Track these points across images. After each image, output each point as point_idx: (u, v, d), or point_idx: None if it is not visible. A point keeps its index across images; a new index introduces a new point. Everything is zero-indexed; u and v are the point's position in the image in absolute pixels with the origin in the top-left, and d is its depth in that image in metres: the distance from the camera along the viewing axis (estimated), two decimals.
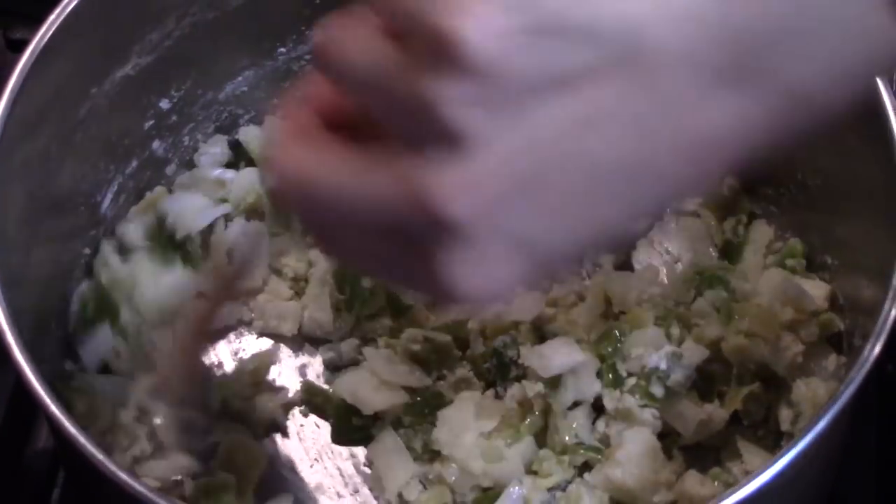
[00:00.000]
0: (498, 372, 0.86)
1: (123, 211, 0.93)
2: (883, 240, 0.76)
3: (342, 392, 0.86)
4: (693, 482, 0.80)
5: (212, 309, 0.82)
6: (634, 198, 0.48)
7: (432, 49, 0.44)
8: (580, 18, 0.45)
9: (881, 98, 0.76)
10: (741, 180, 0.92)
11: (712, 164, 0.48)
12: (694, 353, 0.83)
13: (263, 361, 0.90)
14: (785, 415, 0.82)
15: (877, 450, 0.88)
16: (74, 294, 0.88)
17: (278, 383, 0.90)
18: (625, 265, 0.93)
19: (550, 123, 0.45)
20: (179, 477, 0.82)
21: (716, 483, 0.80)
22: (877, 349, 0.70)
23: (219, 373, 0.91)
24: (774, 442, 0.83)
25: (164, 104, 0.93)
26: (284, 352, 0.92)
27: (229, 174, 0.96)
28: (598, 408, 0.84)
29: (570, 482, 0.82)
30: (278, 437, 0.88)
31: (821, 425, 0.67)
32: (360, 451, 0.87)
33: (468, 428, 0.83)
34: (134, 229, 0.91)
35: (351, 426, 0.86)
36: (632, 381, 0.83)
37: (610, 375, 0.83)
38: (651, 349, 0.83)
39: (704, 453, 0.84)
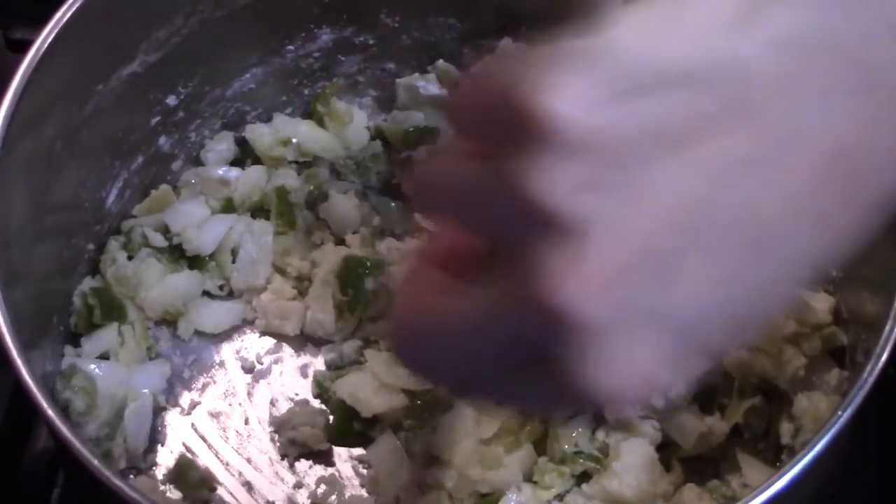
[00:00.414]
0: None
1: (128, 207, 0.93)
2: (888, 253, 0.76)
3: (342, 393, 0.86)
4: (691, 496, 0.80)
5: None
6: (786, 250, 0.44)
7: (523, 134, 0.41)
8: (669, 63, 0.42)
9: None
10: None
11: (857, 184, 0.44)
12: None
13: None
14: (786, 428, 0.81)
15: (877, 453, 0.87)
16: (77, 291, 0.88)
17: (279, 382, 0.90)
18: None
19: (673, 188, 0.41)
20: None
21: (713, 496, 0.80)
22: (879, 366, 0.70)
23: (219, 372, 0.91)
24: (774, 455, 0.82)
25: (171, 101, 0.93)
26: (286, 351, 0.92)
27: (234, 172, 0.95)
28: (598, 417, 0.84)
29: (567, 492, 0.82)
30: (278, 438, 0.88)
31: (822, 443, 0.67)
32: (360, 454, 0.87)
33: (468, 434, 0.83)
34: (139, 231, 0.91)
35: (350, 429, 0.86)
36: None
37: None
38: None
39: (703, 465, 0.84)
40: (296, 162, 0.96)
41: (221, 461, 0.87)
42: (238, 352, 0.92)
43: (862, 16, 0.44)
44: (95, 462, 0.64)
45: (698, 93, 0.42)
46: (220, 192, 0.94)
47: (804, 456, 0.67)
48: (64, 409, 0.80)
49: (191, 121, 0.95)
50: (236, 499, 0.86)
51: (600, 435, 0.83)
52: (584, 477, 0.83)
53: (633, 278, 0.41)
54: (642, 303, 0.42)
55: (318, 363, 0.91)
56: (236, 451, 0.87)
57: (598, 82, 0.41)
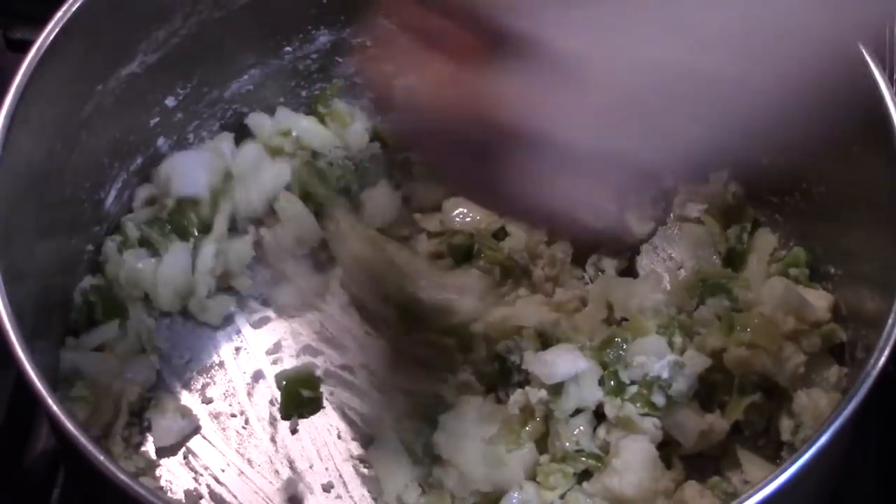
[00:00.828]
0: (500, 377, 0.86)
1: (127, 207, 0.93)
2: (887, 250, 0.76)
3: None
4: (692, 492, 0.80)
5: None
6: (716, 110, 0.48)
7: None
8: None
9: (886, 108, 0.76)
10: (746, 187, 0.92)
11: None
12: (696, 362, 0.83)
13: None
14: (786, 425, 0.81)
15: (877, 450, 0.88)
16: (77, 289, 0.88)
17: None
18: (628, 271, 0.92)
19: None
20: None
21: (714, 492, 0.80)
22: (880, 363, 0.70)
23: (219, 372, 0.91)
24: (774, 452, 0.83)
25: (170, 102, 0.93)
26: (287, 351, 0.92)
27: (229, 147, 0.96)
28: (599, 415, 0.84)
29: (569, 489, 0.82)
30: (278, 438, 0.88)
31: (822, 439, 0.68)
32: (360, 454, 0.87)
33: (469, 433, 0.83)
34: (131, 225, 0.91)
35: (300, 397, 0.87)
36: (633, 389, 0.83)
37: (612, 383, 0.83)
38: (653, 357, 0.83)
39: (704, 462, 0.84)
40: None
41: (221, 461, 0.87)
42: (238, 352, 0.92)
43: None
44: (101, 457, 0.64)
45: None
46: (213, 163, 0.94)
47: (804, 452, 0.67)
48: None
49: (189, 122, 0.95)
50: (236, 499, 0.86)
51: (601, 433, 0.83)
52: (585, 475, 0.83)
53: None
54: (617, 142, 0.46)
55: (318, 361, 0.91)
56: (236, 451, 0.87)
57: None
